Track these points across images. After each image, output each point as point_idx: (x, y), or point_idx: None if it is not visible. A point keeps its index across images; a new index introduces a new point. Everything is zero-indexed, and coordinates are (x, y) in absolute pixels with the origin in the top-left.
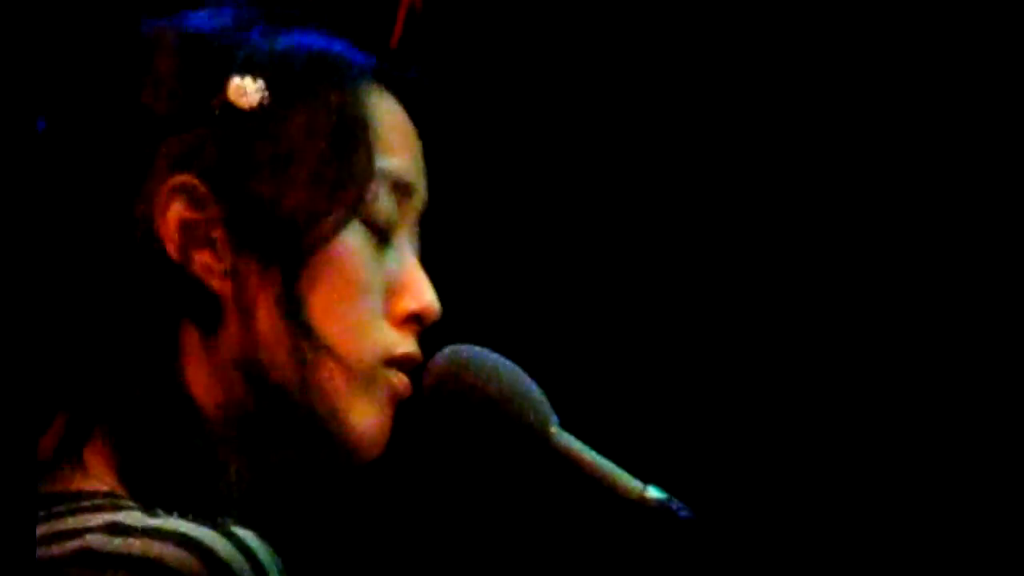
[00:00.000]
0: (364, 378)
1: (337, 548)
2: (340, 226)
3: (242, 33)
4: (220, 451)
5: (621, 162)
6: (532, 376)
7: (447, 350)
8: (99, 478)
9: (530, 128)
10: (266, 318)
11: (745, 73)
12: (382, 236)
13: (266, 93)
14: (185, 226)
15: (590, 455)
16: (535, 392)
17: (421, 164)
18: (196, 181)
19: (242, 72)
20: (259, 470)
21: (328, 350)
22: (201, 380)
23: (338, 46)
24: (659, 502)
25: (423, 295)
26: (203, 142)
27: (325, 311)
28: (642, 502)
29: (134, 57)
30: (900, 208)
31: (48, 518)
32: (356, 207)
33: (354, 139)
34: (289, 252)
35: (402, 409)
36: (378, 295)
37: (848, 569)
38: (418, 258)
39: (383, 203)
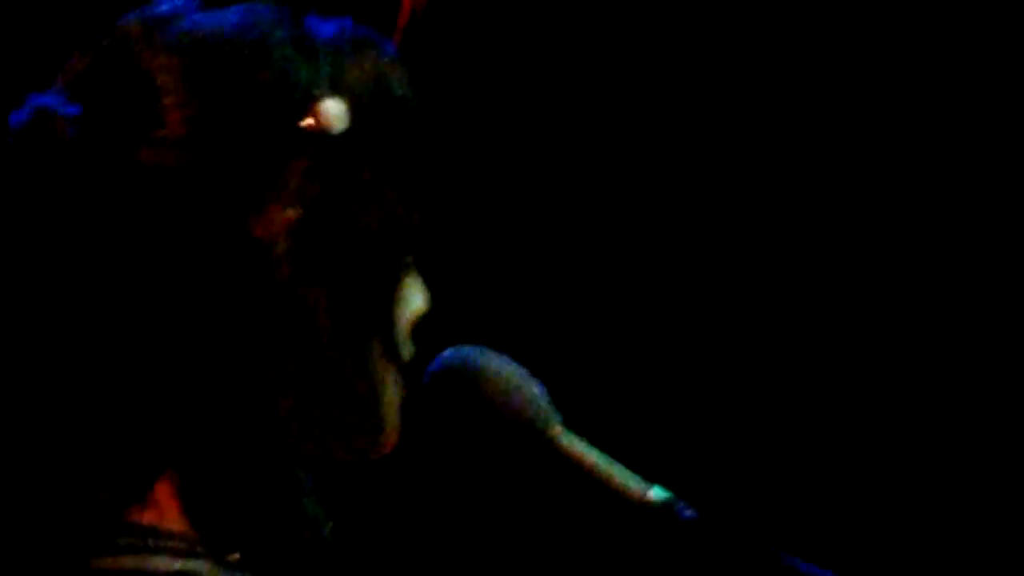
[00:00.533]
0: (387, 391)
1: (343, 548)
2: (407, 268)
3: (307, 43)
4: (298, 487)
5: (621, 162)
6: (536, 376)
7: (450, 351)
8: (171, 518)
9: (530, 128)
10: (351, 353)
11: (745, 73)
12: None
13: (351, 113)
14: (297, 261)
15: (594, 455)
16: (538, 392)
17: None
18: (303, 214)
19: (328, 93)
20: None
21: (395, 370)
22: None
23: (390, 48)
24: (662, 503)
25: (424, 298)
26: (303, 173)
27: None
28: (645, 503)
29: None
30: (900, 208)
31: (115, 552)
32: (415, 245)
33: (420, 152)
34: (384, 290)
35: (404, 410)
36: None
37: (851, 569)
38: None
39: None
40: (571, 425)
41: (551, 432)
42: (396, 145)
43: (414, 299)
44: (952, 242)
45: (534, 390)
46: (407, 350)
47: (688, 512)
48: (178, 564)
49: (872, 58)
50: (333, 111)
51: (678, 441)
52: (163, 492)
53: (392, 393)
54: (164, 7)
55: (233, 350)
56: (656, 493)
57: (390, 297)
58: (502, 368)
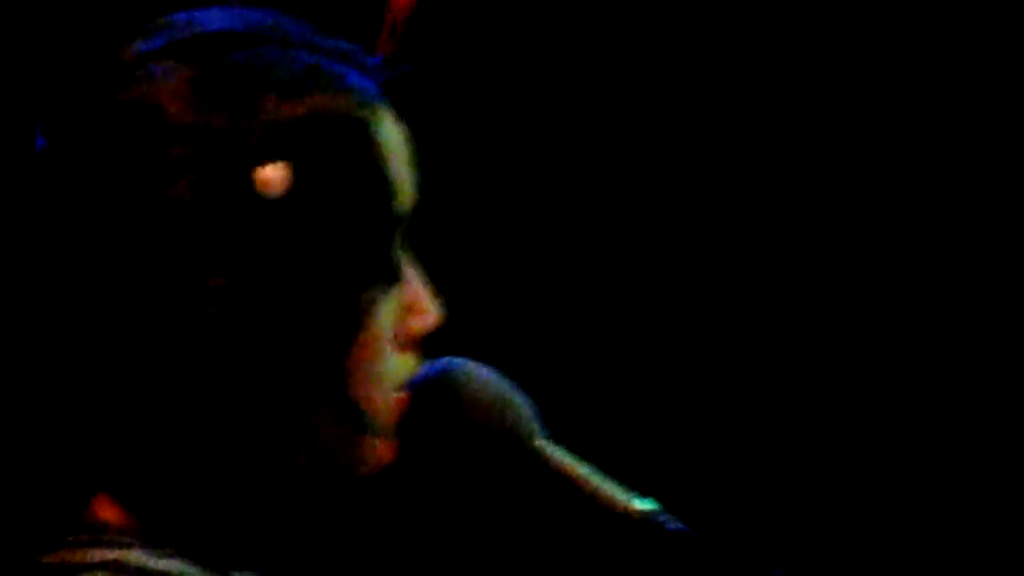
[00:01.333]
0: (379, 415)
1: (333, 559)
2: (369, 301)
3: (257, 92)
4: (246, 496)
5: (612, 172)
6: (522, 388)
7: (433, 362)
8: (111, 515)
9: (522, 135)
10: (301, 396)
11: (742, 73)
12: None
13: (288, 172)
14: (227, 330)
15: (579, 467)
16: (524, 404)
17: (412, 175)
18: (230, 283)
19: (267, 156)
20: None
21: (344, 409)
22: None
23: (352, 77)
24: (647, 515)
25: (429, 316)
26: (233, 239)
27: (350, 376)
28: (630, 515)
29: (154, 136)
30: (898, 210)
31: (51, 548)
32: (386, 278)
33: (380, 203)
34: (322, 336)
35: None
36: (391, 336)
37: None
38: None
39: (397, 253)
40: (557, 438)
41: (536, 444)
42: (343, 199)
43: (395, 316)
44: (951, 243)
45: (519, 402)
46: (400, 366)
47: (673, 524)
48: (109, 555)
49: (872, 58)
50: (272, 177)
51: (665, 452)
52: (106, 496)
53: (360, 421)
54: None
55: (163, 392)
56: (642, 505)
57: (340, 359)
58: (487, 380)
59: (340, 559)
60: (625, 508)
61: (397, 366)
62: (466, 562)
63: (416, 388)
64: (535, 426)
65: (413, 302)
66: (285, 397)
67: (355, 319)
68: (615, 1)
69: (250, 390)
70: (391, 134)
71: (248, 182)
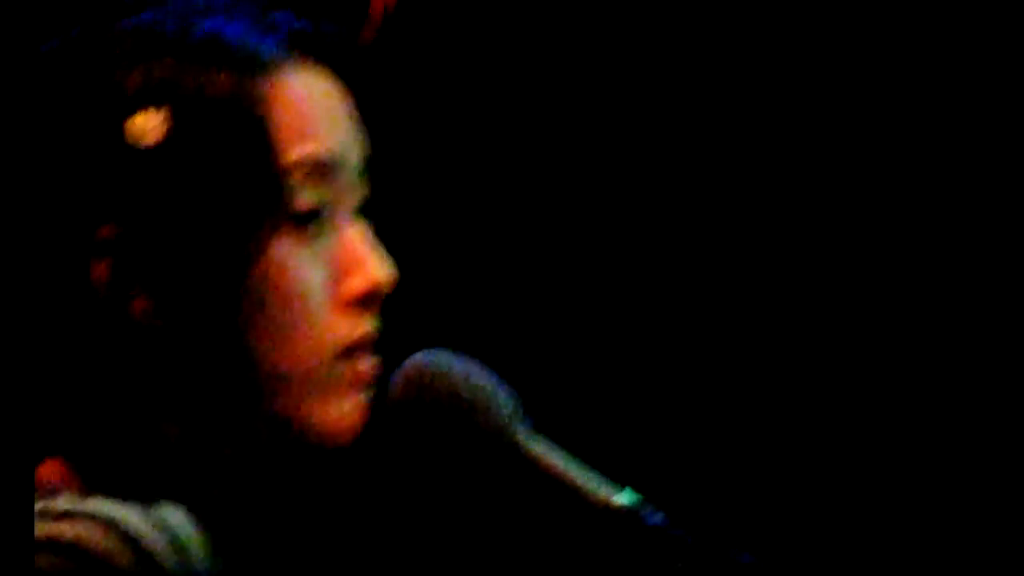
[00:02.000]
0: (319, 378)
1: (308, 553)
2: (256, 239)
3: (139, 52)
4: (188, 470)
5: (599, 166)
6: (504, 379)
7: (416, 355)
8: (52, 476)
9: (512, 130)
10: (205, 351)
11: (737, 73)
12: (314, 223)
13: (167, 125)
14: (115, 278)
15: (561, 459)
16: (505, 396)
17: (349, 134)
18: (119, 229)
19: (142, 106)
20: (245, 478)
21: (260, 365)
22: (169, 413)
23: (240, 34)
24: (628, 508)
25: (370, 271)
26: (116, 189)
27: (257, 328)
28: (612, 507)
29: (56, 100)
30: (897, 210)
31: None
32: (271, 214)
33: (255, 146)
34: (205, 278)
35: (370, 414)
36: (318, 291)
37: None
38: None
39: (305, 194)
40: (539, 427)
41: (518, 436)
42: (216, 144)
43: (324, 274)
44: (951, 243)
45: (500, 394)
46: (343, 325)
47: (655, 518)
48: (39, 505)
49: (872, 58)
50: (145, 126)
51: (649, 443)
52: (52, 463)
53: (300, 385)
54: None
55: (78, 359)
56: (624, 497)
57: (222, 304)
58: (469, 372)
59: (317, 551)
60: (606, 500)
61: (337, 328)
62: (447, 554)
63: (398, 380)
64: (517, 418)
65: (352, 261)
66: (191, 353)
67: (241, 266)
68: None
69: (154, 344)
70: (294, 87)
71: (122, 132)
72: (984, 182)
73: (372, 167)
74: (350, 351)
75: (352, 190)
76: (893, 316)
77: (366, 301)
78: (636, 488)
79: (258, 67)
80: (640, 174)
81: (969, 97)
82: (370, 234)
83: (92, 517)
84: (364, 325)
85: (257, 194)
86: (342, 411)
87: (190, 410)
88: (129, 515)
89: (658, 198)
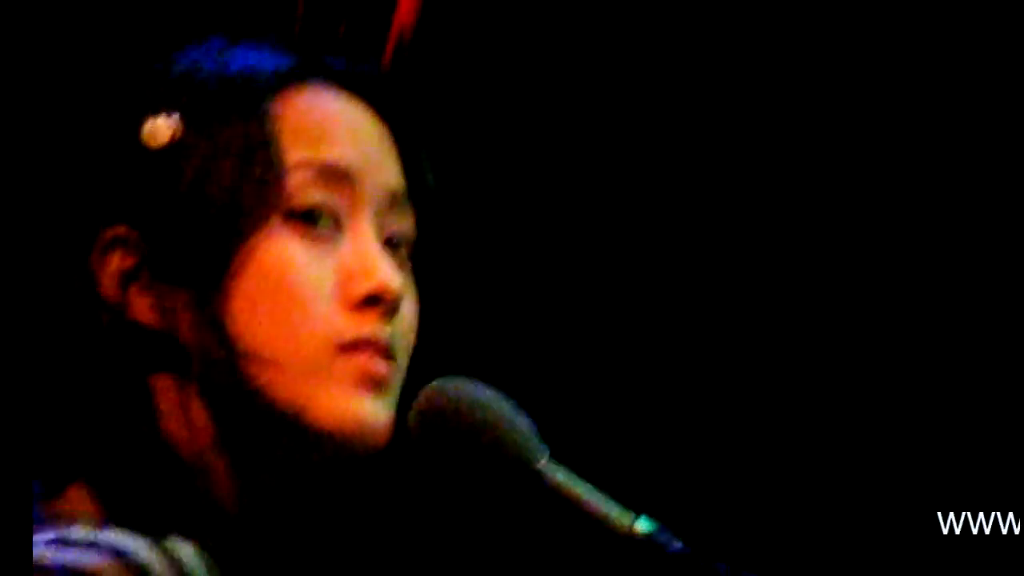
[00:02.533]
0: (313, 373)
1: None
2: (254, 228)
3: (160, 71)
4: (200, 479)
5: (607, 181)
6: (523, 408)
7: (434, 383)
8: (76, 505)
9: (516, 141)
10: (200, 343)
11: (736, 75)
12: (321, 225)
13: (179, 127)
14: (122, 276)
15: (581, 487)
16: (524, 424)
17: (371, 150)
18: (126, 230)
19: (155, 111)
20: (256, 492)
21: (261, 358)
22: (173, 417)
23: (256, 58)
24: (649, 535)
25: (373, 275)
26: (129, 190)
27: (252, 316)
28: (632, 535)
29: (75, 114)
30: (895, 217)
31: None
32: (271, 205)
33: (256, 141)
34: (200, 269)
35: (389, 442)
36: (320, 285)
37: None
38: (383, 243)
39: (310, 193)
40: (558, 457)
41: (538, 465)
42: (221, 143)
43: (270, 286)
44: (951, 244)
45: (521, 422)
46: (345, 322)
47: (676, 544)
48: (54, 533)
49: (872, 58)
50: (156, 127)
51: (666, 472)
52: (75, 490)
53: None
54: None
55: (92, 369)
56: (643, 525)
57: (211, 291)
58: (488, 400)
59: (335, 570)
60: (627, 529)
61: (336, 323)
62: None
63: (419, 408)
64: (537, 447)
65: (358, 265)
66: (194, 351)
67: (243, 257)
68: (615, 2)
69: (158, 344)
70: (306, 100)
71: (131, 135)
72: (984, 182)
73: (421, 203)
74: (352, 346)
75: (372, 202)
76: (897, 324)
77: (369, 302)
78: (650, 516)
79: (272, 79)
80: (654, 190)
81: (969, 97)
82: (379, 244)
83: (108, 549)
84: (368, 326)
85: (259, 188)
86: (343, 403)
87: (196, 412)
88: (140, 548)
89: (670, 214)
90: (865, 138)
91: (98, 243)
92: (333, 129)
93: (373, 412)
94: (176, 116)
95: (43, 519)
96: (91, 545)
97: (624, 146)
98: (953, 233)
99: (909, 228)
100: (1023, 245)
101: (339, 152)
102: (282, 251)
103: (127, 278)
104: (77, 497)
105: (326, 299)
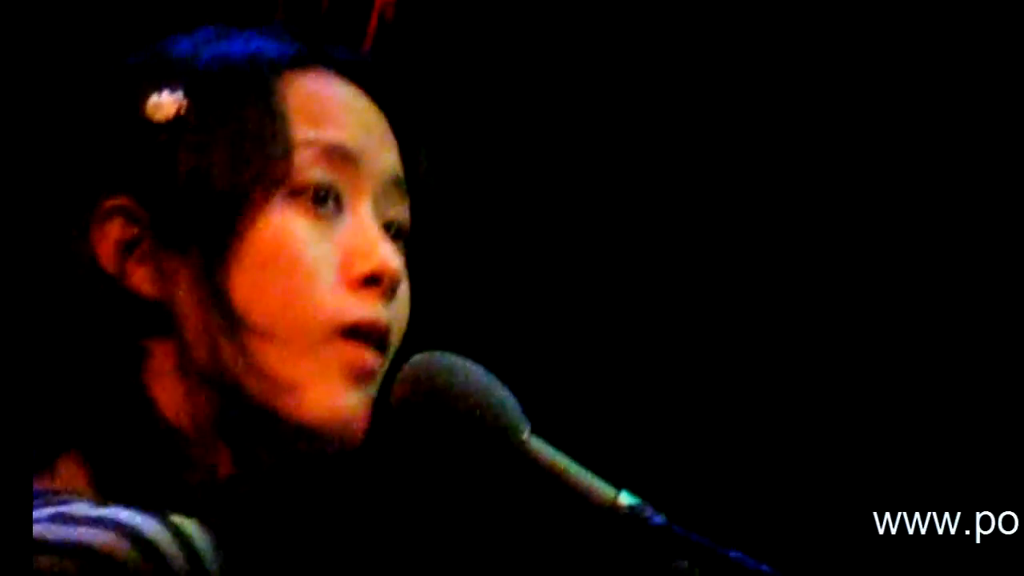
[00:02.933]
0: (311, 351)
1: (312, 552)
2: (259, 202)
3: (162, 52)
4: (193, 451)
5: (602, 169)
6: (505, 381)
7: (418, 356)
8: (68, 481)
9: (511, 133)
10: (199, 313)
11: (741, 75)
12: (325, 204)
13: (183, 103)
14: (121, 245)
15: (562, 461)
16: (507, 398)
17: (372, 135)
18: (125, 199)
19: (158, 87)
20: (246, 465)
21: (260, 331)
22: (166, 389)
23: (259, 43)
24: (630, 509)
25: (374, 255)
26: (131, 162)
27: (253, 290)
28: (614, 508)
29: (73, 94)
30: (895, 217)
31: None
32: (276, 181)
33: (264, 118)
34: (205, 239)
35: (373, 415)
36: (323, 264)
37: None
38: (382, 226)
39: (315, 172)
40: (539, 431)
41: (520, 438)
42: (227, 118)
43: (272, 260)
44: (951, 244)
45: (503, 396)
46: (346, 302)
47: (657, 518)
48: (55, 508)
49: (872, 58)
50: (161, 102)
51: (648, 446)
52: (64, 463)
53: (304, 367)
54: None
55: (84, 338)
56: (625, 498)
57: (213, 262)
58: (471, 374)
59: (320, 553)
60: (609, 502)
61: (337, 302)
62: (450, 555)
63: (401, 382)
64: (519, 420)
65: (359, 244)
66: (193, 320)
67: (245, 230)
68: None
69: (156, 314)
70: (308, 82)
71: (135, 109)
72: (984, 182)
73: (414, 189)
74: (352, 332)
75: (376, 186)
76: (895, 322)
77: (369, 282)
78: (632, 491)
79: (275, 61)
80: (651, 181)
81: (969, 97)
82: (378, 227)
83: (115, 525)
84: (368, 308)
85: (265, 163)
86: (330, 394)
87: (188, 384)
88: (148, 524)
89: (660, 205)
90: (864, 138)
91: (97, 213)
92: (337, 111)
93: (355, 407)
94: (180, 93)
95: (36, 494)
96: (96, 521)
97: (612, 131)
98: (953, 233)
99: (900, 225)
100: (1008, 246)
101: (344, 133)
102: (286, 226)
103: (127, 248)
104: (68, 471)
105: (328, 277)
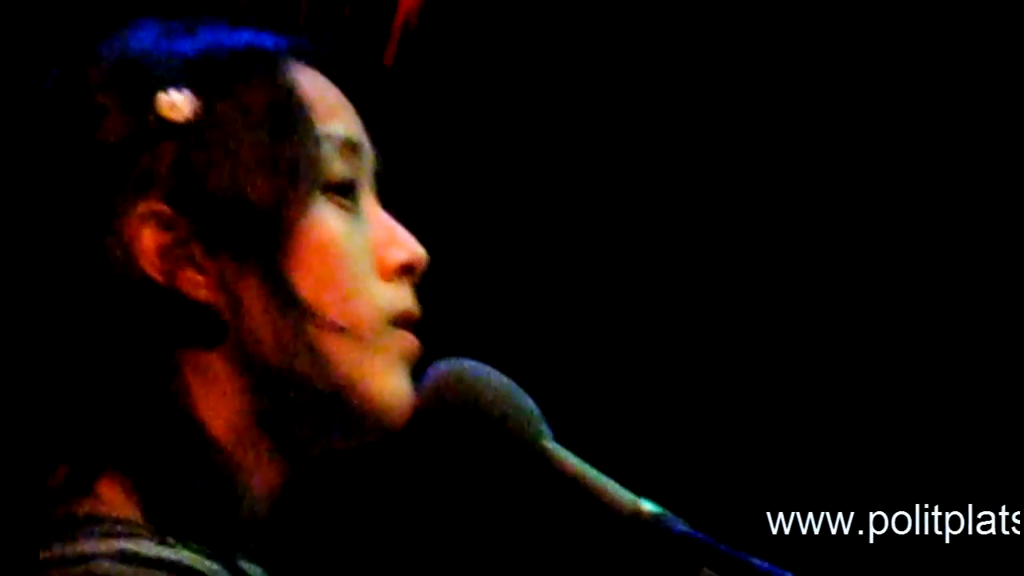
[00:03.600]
0: (374, 342)
1: (338, 558)
2: (304, 200)
3: (163, 46)
4: (242, 468)
5: (611, 173)
6: (528, 390)
7: (441, 364)
8: (113, 506)
9: (523, 135)
10: (261, 312)
11: (742, 75)
12: (349, 197)
13: (196, 100)
14: (163, 250)
15: (584, 469)
16: (529, 406)
17: (361, 125)
18: (159, 204)
19: (168, 86)
20: (300, 467)
21: (330, 322)
22: (213, 398)
23: (250, 36)
24: (653, 517)
25: (408, 244)
26: (154, 164)
27: (316, 286)
28: (636, 516)
29: (77, 96)
30: (895, 215)
31: (53, 542)
32: (314, 178)
33: (291, 114)
34: (262, 241)
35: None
36: (364, 256)
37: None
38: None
39: (338, 165)
40: (561, 439)
41: (542, 446)
42: (251, 113)
43: (325, 255)
44: (951, 244)
45: (526, 404)
46: (387, 292)
47: (680, 526)
48: (119, 544)
49: (872, 58)
50: (174, 101)
51: (670, 455)
52: (107, 485)
53: (351, 356)
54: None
55: (129, 349)
56: (647, 507)
57: (273, 260)
58: (493, 381)
59: (344, 553)
60: (631, 510)
61: (385, 293)
62: (473, 562)
63: (424, 388)
64: (542, 428)
65: (389, 235)
66: (251, 320)
67: (291, 228)
68: (616, 1)
69: (209, 317)
70: (311, 77)
71: (154, 108)
72: (984, 182)
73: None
74: (402, 320)
75: (371, 179)
76: (897, 322)
77: (405, 272)
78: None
79: (280, 58)
80: (658, 183)
81: (969, 97)
82: (393, 219)
83: (179, 570)
84: (408, 299)
85: (297, 154)
86: (394, 381)
87: (239, 392)
88: (217, 573)
89: (672, 207)
90: (864, 138)
91: (127, 219)
92: (337, 105)
93: (410, 391)
94: (189, 90)
95: (81, 521)
96: (165, 565)
97: (619, 131)
98: (953, 233)
99: (895, 226)
100: (998, 247)
101: (351, 127)
102: (328, 222)
103: (170, 253)
104: (114, 494)
105: (369, 270)
